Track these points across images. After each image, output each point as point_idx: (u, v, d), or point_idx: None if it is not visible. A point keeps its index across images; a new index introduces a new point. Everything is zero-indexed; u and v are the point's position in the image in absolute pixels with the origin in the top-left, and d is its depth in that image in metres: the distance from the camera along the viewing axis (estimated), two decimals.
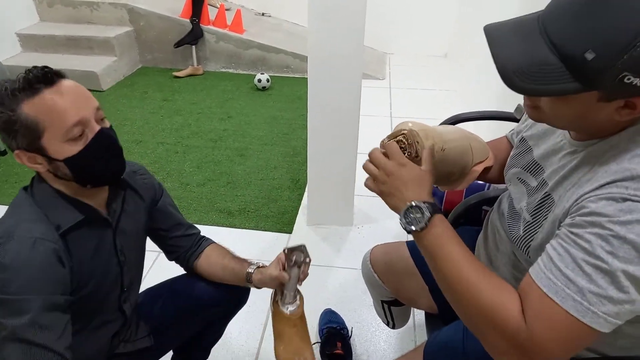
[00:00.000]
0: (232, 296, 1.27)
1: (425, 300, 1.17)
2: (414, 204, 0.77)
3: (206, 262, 1.21)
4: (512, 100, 1.58)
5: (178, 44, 4.08)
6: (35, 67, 0.84)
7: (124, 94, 3.79)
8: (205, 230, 2.18)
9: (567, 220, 0.67)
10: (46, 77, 0.83)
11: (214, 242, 1.28)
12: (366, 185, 0.84)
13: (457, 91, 3.82)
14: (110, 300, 1.03)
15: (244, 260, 1.22)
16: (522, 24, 0.67)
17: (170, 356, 1.40)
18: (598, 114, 0.66)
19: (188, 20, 4.05)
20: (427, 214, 0.75)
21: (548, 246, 0.68)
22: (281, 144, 3.06)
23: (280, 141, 3.10)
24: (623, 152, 0.66)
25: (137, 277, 1.14)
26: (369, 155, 0.84)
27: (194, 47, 4.13)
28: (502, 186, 1.37)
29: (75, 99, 0.85)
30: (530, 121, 0.94)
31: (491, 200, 1.31)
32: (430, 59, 4.62)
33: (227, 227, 2.27)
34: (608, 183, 0.64)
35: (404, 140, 0.84)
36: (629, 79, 0.58)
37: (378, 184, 0.82)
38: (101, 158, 0.89)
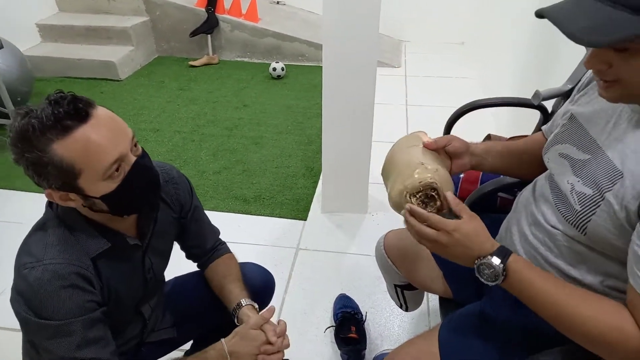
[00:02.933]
0: (264, 289, 1.25)
1: (439, 285, 1.18)
2: (481, 261, 0.77)
3: (211, 274, 1.19)
4: (530, 87, 1.56)
5: (194, 33, 4.10)
6: (62, 96, 0.76)
7: (141, 83, 3.83)
8: (222, 217, 2.24)
9: None
10: (78, 113, 0.75)
11: (227, 253, 1.23)
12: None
13: (475, 79, 3.78)
14: (130, 308, 1.04)
15: (241, 290, 1.12)
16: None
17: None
18: None
19: (203, 10, 4.07)
20: (499, 265, 0.75)
21: None
22: (296, 133, 3.07)
23: (295, 130, 3.11)
24: None
25: (161, 280, 1.14)
26: (419, 234, 0.82)
27: (209, 36, 4.15)
28: None
29: (112, 134, 0.79)
30: (583, 100, 0.90)
31: (506, 187, 1.31)
32: (447, 46, 4.56)
33: (243, 213, 2.30)
34: None
35: (427, 194, 0.85)
36: None
37: (441, 253, 0.82)
38: (139, 189, 0.85)
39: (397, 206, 0.90)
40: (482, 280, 0.78)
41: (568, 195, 0.81)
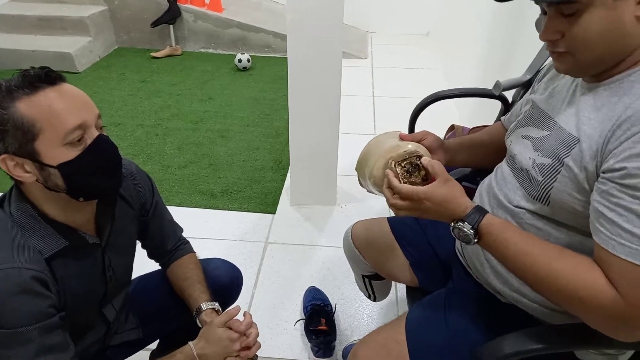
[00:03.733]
0: (230, 285, 1.24)
1: (406, 274, 1.19)
2: (454, 224, 0.80)
3: (171, 276, 1.17)
4: (492, 78, 1.59)
5: (155, 24, 3.98)
6: (32, 67, 0.79)
7: (100, 76, 3.70)
8: (188, 213, 2.19)
9: (610, 166, 0.67)
10: (48, 77, 0.78)
11: (189, 253, 1.20)
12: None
13: (440, 69, 3.83)
14: (91, 309, 0.99)
15: (201, 294, 1.10)
16: None
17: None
18: (622, 18, 0.67)
19: None
20: (469, 231, 0.78)
21: (602, 207, 0.68)
22: (263, 125, 3.03)
23: (262, 122, 3.07)
24: None
25: (124, 280, 1.09)
26: (393, 206, 0.85)
27: (171, 26, 4.03)
28: None
29: (78, 102, 0.80)
30: (541, 88, 0.94)
31: (470, 176, 1.33)
32: (412, 37, 4.60)
33: (211, 208, 2.26)
34: None
35: (410, 163, 0.87)
36: None
37: (420, 218, 0.85)
38: (99, 166, 0.83)
39: (380, 181, 0.89)
40: (460, 243, 0.82)
41: (530, 169, 0.84)
